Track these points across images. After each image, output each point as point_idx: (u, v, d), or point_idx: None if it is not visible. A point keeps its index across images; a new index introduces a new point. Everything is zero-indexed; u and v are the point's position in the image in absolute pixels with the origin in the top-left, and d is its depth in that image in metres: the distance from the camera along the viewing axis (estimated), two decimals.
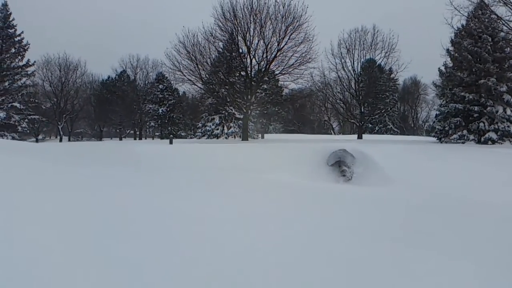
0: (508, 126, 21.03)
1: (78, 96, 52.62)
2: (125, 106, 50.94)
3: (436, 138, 24.17)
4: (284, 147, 14.22)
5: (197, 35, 26.42)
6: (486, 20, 21.04)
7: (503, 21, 18.93)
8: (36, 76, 45.47)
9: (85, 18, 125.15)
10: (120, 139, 53.36)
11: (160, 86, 51.56)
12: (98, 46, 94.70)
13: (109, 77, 57.33)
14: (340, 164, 10.22)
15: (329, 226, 4.30)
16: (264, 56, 26.32)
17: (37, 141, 46.65)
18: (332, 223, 4.46)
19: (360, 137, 34.11)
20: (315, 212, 5.09)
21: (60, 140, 48.36)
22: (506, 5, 17.74)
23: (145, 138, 54.38)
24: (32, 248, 2.65)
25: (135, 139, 52.99)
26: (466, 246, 3.53)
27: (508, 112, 21.03)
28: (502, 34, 20.88)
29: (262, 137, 37.98)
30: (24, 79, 39.53)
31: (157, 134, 54.31)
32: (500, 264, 3.18)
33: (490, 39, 21.42)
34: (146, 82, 56.38)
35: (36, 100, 44.16)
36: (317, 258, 3.16)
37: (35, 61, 40.93)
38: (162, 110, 51.06)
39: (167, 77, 47.06)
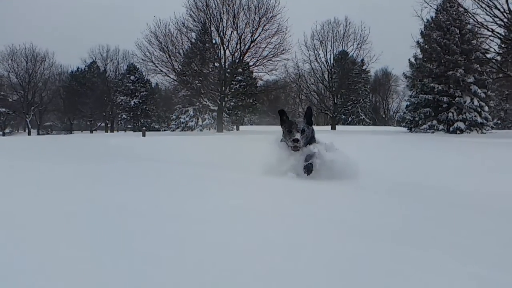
0: (475, 116, 21.77)
1: (46, 88, 50.83)
2: (95, 98, 49.62)
3: (407, 128, 24.78)
4: (259, 139, 14.21)
5: (169, 25, 26.03)
6: (454, 13, 21.60)
7: (470, 14, 19.48)
8: (1, 67, 43.82)
9: (52, 8, 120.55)
10: (91, 132, 52.05)
11: (132, 78, 50.54)
12: (67, 36, 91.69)
13: (78, 68, 55.62)
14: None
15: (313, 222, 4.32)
16: (238, 47, 26.19)
17: (3, 135, 45.00)
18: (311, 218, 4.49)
19: (333, 128, 34.58)
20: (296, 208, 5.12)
21: (29, 134, 46.77)
22: None
23: (117, 131, 53.19)
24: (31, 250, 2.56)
25: (106, 132, 51.81)
26: (449, 236, 3.65)
27: (475, 102, 21.75)
28: (469, 26, 21.50)
29: (237, 128, 37.89)
30: None
31: (129, 126, 53.24)
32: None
33: (458, 31, 22.02)
34: (117, 73, 55.06)
35: (2, 93, 42.58)
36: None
37: None
38: (134, 102, 50.10)
39: (138, 68, 46.12)
